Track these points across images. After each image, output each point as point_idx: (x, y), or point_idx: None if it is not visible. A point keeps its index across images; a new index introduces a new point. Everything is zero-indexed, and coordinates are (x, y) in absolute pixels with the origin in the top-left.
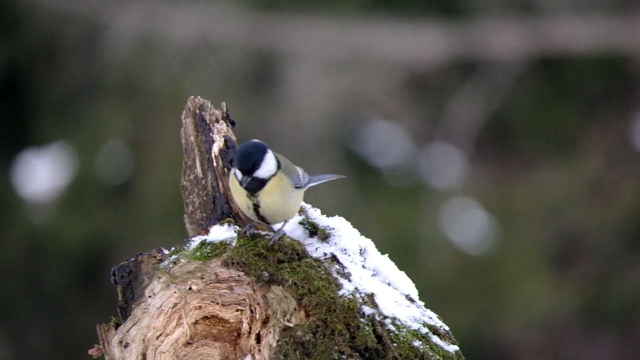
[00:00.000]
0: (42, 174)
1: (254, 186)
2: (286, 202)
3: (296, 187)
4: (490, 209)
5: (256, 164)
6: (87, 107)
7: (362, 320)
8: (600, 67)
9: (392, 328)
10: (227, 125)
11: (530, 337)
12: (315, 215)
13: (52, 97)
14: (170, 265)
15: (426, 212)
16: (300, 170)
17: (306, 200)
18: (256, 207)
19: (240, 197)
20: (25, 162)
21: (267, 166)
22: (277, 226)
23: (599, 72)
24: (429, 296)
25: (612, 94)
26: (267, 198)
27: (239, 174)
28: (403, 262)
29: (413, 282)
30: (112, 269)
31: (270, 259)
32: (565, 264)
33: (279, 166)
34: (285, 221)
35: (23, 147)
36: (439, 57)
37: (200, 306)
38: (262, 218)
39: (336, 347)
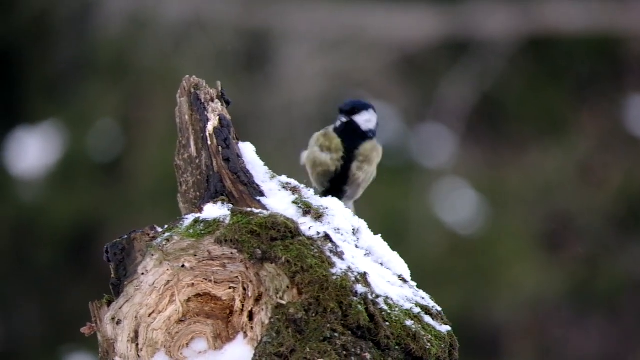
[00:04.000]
0: (33, 151)
1: (349, 133)
2: (371, 177)
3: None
4: (481, 190)
5: (356, 108)
6: (79, 85)
7: (354, 298)
8: (592, 49)
9: (385, 307)
10: (222, 105)
11: (519, 318)
12: (309, 194)
13: (44, 75)
14: (164, 243)
15: (417, 192)
16: None
17: (297, 179)
18: (345, 169)
19: (325, 156)
20: (17, 139)
21: (366, 117)
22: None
23: (590, 54)
24: (419, 276)
25: (603, 76)
26: (366, 165)
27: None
28: (393, 242)
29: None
30: (105, 246)
31: (263, 236)
32: (554, 245)
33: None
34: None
35: (14, 124)
36: (430, 37)
37: (192, 284)
38: (337, 184)
39: (328, 325)
